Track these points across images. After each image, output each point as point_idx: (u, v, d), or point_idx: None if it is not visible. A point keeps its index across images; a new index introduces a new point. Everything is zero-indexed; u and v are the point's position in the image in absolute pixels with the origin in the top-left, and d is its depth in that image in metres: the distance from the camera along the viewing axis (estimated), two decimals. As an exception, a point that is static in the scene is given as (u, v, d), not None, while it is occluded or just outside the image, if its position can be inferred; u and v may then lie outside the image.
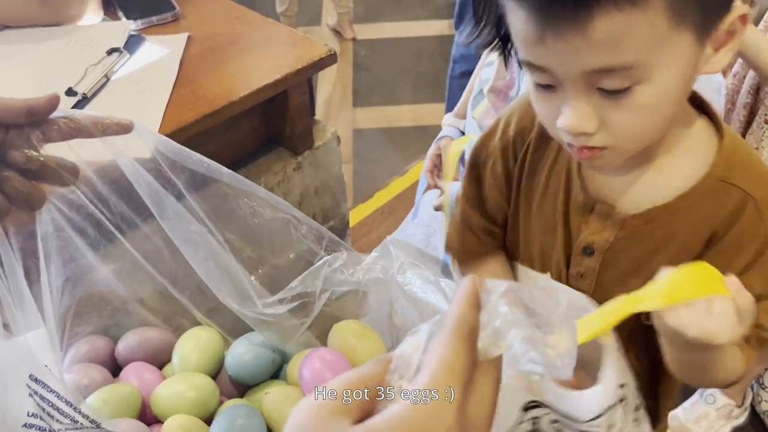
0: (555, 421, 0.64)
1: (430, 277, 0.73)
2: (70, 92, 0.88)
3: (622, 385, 0.59)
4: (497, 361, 0.34)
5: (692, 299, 0.53)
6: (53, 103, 0.55)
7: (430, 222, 1.34)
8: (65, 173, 0.57)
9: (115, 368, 0.83)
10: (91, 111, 0.72)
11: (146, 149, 0.65)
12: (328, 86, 2.92)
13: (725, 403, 1.51)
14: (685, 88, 0.59)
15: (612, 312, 0.57)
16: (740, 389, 1.52)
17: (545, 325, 0.34)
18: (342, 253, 0.76)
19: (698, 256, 0.66)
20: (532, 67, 0.57)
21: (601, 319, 0.58)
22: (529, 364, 0.33)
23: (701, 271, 0.55)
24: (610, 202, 0.68)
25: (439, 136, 1.41)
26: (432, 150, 1.40)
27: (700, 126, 0.66)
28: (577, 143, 0.59)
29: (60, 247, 0.69)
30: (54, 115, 0.55)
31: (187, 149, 0.68)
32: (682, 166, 0.65)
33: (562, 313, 0.35)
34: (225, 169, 0.70)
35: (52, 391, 0.60)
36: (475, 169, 0.80)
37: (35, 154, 0.54)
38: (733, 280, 0.55)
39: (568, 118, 0.57)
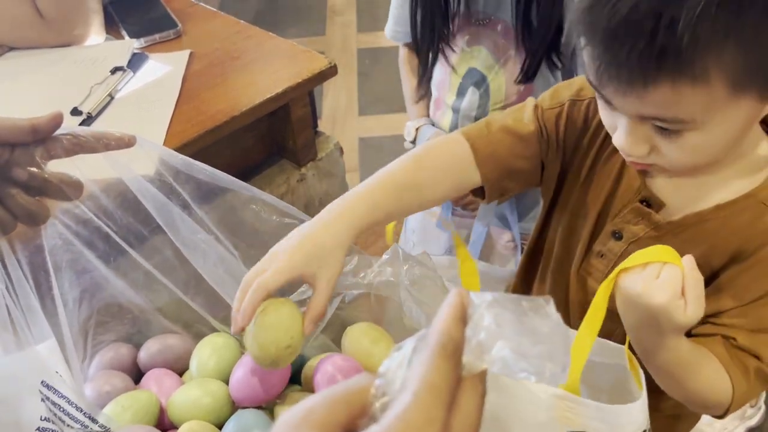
0: None
1: (436, 279, 0.73)
2: (75, 112, 0.89)
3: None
4: (482, 376, 0.33)
5: (647, 264, 0.58)
6: (57, 121, 0.57)
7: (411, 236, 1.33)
8: (69, 189, 0.59)
9: (137, 375, 0.84)
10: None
11: (150, 162, 0.67)
12: (333, 96, 2.93)
13: (738, 404, 1.50)
14: (741, 135, 0.60)
15: (596, 303, 0.60)
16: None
17: (534, 335, 0.32)
18: (353, 257, 0.77)
19: (720, 269, 0.66)
20: (596, 89, 0.60)
21: (592, 315, 0.60)
22: (521, 372, 0.32)
23: (662, 249, 0.59)
24: (661, 198, 0.69)
25: (425, 136, 1.24)
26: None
27: (766, 147, 0.66)
28: (628, 158, 0.63)
29: (71, 260, 0.71)
30: (57, 132, 0.57)
31: (189, 159, 0.69)
32: (734, 181, 0.66)
33: (553, 323, 0.33)
34: (228, 176, 0.71)
35: (63, 396, 0.62)
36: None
37: (39, 171, 0.56)
38: (688, 257, 0.58)
39: (622, 142, 0.61)
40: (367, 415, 0.31)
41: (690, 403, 0.67)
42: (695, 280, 0.57)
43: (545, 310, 0.34)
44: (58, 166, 0.59)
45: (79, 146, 0.58)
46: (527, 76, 1.05)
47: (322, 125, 3.05)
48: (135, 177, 0.67)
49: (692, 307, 0.57)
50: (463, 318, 0.33)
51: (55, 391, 0.62)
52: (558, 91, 0.77)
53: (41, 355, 0.62)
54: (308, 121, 1.02)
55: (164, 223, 0.69)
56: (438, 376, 0.31)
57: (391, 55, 3.53)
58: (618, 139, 0.61)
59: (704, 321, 0.67)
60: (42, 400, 0.60)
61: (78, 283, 0.73)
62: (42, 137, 0.57)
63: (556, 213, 0.82)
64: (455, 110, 1.18)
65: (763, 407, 1.53)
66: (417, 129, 1.25)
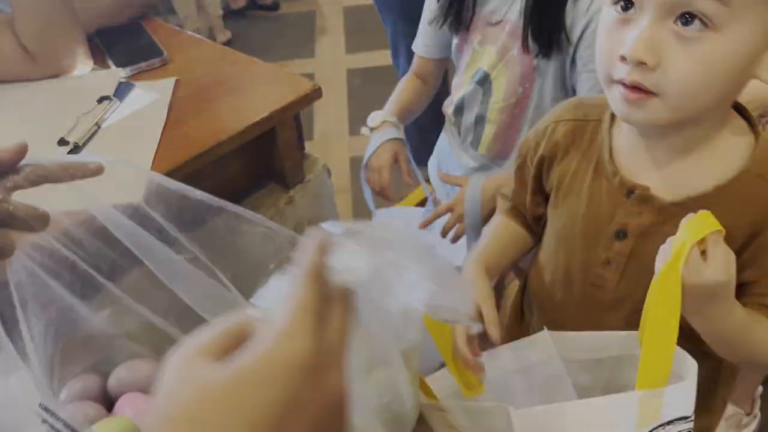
0: None
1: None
2: (62, 142, 0.90)
3: None
4: (350, 293, 0.37)
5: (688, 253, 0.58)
6: (21, 152, 0.56)
7: None
8: (34, 220, 0.58)
9: (108, 403, 0.83)
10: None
11: (120, 186, 0.66)
12: (324, 116, 2.95)
13: (734, 412, 1.50)
14: (742, 66, 0.59)
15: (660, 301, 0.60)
16: (748, 397, 1.51)
17: (402, 256, 0.37)
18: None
19: (740, 248, 0.67)
20: None
21: (663, 319, 0.60)
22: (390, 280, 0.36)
23: (697, 221, 0.60)
24: (644, 188, 0.70)
25: (381, 138, 1.29)
26: (386, 158, 1.28)
27: (738, 125, 0.68)
28: (630, 78, 0.61)
29: (36, 293, 0.69)
30: (22, 162, 0.57)
31: (151, 171, 0.69)
32: (719, 160, 0.67)
33: (420, 246, 0.37)
34: (197, 190, 0.70)
35: (59, 420, 0.62)
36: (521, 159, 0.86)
37: (3, 204, 0.56)
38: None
39: (635, 42, 0.59)
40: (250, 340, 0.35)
41: (751, 363, 0.71)
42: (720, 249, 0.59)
43: (410, 235, 0.38)
44: (23, 196, 0.58)
45: (44, 177, 0.58)
46: (538, 51, 1.06)
47: (313, 146, 3.04)
48: (101, 202, 0.66)
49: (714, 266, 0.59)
50: (324, 248, 0.37)
51: (53, 414, 0.61)
52: (540, 122, 0.84)
53: (37, 377, 0.62)
54: (295, 144, 1.02)
55: (131, 244, 0.68)
56: (306, 294, 0.35)
57: (381, 74, 3.55)
58: (630, 43, 0.59)
59: (740, 294, 0.68)
60: (42, 422, 0.60)
61: (42, 317, 0.72)
62: (5, 169, 0.56)
63: (548, 239, 0.85)
64: None
65: (759, 414, 1.53)
66: (383, 122, 1.31)
